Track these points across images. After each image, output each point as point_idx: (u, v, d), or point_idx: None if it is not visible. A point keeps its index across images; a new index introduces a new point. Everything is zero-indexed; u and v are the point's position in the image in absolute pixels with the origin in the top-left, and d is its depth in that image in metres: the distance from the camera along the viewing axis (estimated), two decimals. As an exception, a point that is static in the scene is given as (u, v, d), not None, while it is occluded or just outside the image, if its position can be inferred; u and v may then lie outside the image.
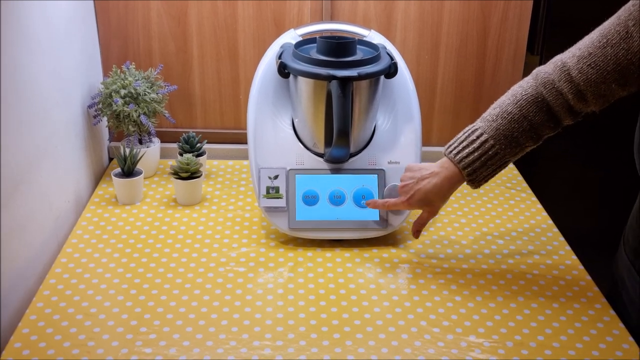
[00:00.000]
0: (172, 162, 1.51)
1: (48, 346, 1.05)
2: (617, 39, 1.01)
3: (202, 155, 1.57)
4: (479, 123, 1.15)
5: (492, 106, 1.15)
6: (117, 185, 1.47)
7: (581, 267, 1.30)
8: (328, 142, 1.32)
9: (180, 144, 1.55)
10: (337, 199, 1.34)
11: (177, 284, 1.21)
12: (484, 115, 1.15)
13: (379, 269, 1.28)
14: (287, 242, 1.35)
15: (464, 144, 1.15)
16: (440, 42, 1.65)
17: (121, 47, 1.64)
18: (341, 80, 1.23)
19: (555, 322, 1.14)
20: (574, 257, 1.33)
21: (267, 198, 1.33)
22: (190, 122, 1.73)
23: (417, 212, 1.29)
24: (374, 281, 1.24)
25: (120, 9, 1.60)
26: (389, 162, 1.36)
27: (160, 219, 1.42)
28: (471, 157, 1.14)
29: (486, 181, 1.17)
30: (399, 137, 1.38)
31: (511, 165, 1.64)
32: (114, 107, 1.49)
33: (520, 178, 1.65)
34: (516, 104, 1.11)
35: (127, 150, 1.46)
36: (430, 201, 1.21)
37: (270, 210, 1.33)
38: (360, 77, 1.25)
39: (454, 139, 1.18)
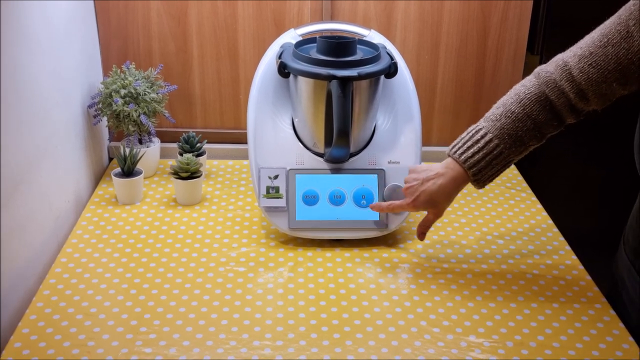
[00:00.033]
0: (172, 162, 1.51)
1: (48, 346, 1.05)
2: (617, 39, 1.01)
3: (202, 155, 1.57)
4: (482, 123, 1.15)
5: (495, 106, 1.15)
6: (117, 185, 1.47)
7: (581, 267, 1.30)
8: (328, 142, 1.32)
9: (180, 143, 1.55)
10: (337, 199, 1.34)
11: (177, 284, 1.21)
12: (487, 115, 1.15)
13: (379, 269, 1.28)
14: (287, 242, 1.35)
15: (469, 144, 1.15)
16: (440, 42, 1.65)
17: (121, 47, 1.64)
18: (341, 80, 1.23)
19: (555, 322, 1.14)
20: (574, 257, 1.33)
21: (267, 198, 1.33)
22: (190, 122, 1.72)
23: (416, 212, 1.29)
24: (374, 281, 1.24)
25: (120, 9, 1.60)
26: (389, 162, 1.36)
27: (160, 219, 1.42)
28: (476, 157, 1.14)
29: (490, 181, 1.17)
30: (399, 137, 1.38)
31: (511, 166, 1.64)
32: (114, 107, 1.49)
33: (520, 178, 1.65)
34: (519, 102, 1.11)
35: (127, 150, 1.46)
36: (436, 202, 1.20)
37: (270, 210, 1.33)
38: (360, 77, 1.25)
39: (458, 140, 1.17)
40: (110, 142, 1.70)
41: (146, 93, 1.52)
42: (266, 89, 1.37)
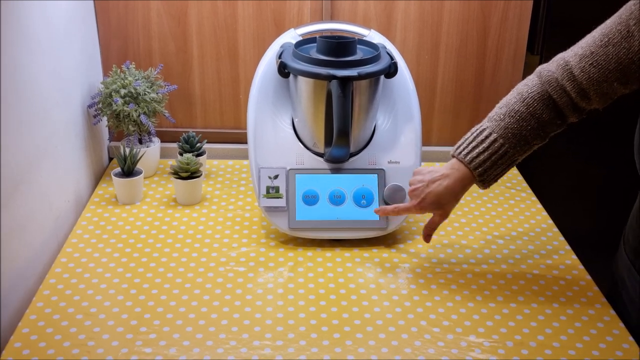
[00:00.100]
0: (172, 162, 1.51)
1: (48, 346, 1.05)
2: (618, 38, 1.01)
3: (202, 155, 1.57)
4: (486, 123, 1.15)
5: (498, 106, 1.15)
6: (117, 185, 1.47)
7: (581, 267, 1.30)
8: (328, 142, 1.32)
9: (180, 143, 1.55)
10: (337, 199, 1.34)
11: (177, 284, 1.21)
12: (491, 115, 1.15)
13: (379, 269, 1.28)
14: (287, 242, 1.35)
15: (473, 144, 1.15)
16: (440, 42, 1.65)
17: (121, 47, 1.64)
18: (341, 80, 1.23)
19: (555, 322, 1.14)
20: (574, 257, 1.33)
21: (267, 198, 1.33)
22: (190, 121, 1.72)
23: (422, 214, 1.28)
24: (374, 281, 1.24)
25: (120, 9, 1.60)
26: (389, 162, 1.36)
27: (160, 219, 1.42)
28: (481, 157, 1.14)
29: (495, 181, 1.17)
30: (399, 137, 1.38)
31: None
32: (114, 107, 1.49)
33: (520, 178, 1.65)
34: (523, 102, 1.11)
35: (127, 150, 1.46)
36: (442, 204, 1.20)
37: (270, 210, 1.33)
38: (361, 77, 1.25)
39: (462, 140, 1.17)
40: (110, 142, 1.70)
41: (146, 93, 1.52)
42: (266, 89, 1.37)
